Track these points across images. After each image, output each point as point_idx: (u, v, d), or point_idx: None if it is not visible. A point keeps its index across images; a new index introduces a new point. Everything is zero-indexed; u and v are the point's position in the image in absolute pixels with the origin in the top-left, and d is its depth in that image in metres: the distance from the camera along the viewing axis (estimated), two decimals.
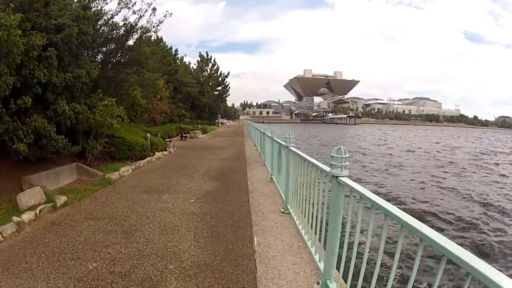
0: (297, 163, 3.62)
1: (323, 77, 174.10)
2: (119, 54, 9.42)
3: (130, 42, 9.33)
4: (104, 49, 9.15)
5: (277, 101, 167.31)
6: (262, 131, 8.82)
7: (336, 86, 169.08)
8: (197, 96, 26.44)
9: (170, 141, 15.25)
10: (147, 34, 9.70)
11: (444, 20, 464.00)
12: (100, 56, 9.17)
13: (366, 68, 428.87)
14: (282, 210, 4.31)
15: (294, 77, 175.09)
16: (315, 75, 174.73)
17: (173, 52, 25.25)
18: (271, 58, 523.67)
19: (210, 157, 10.20)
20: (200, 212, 4.39)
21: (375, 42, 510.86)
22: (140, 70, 10.50)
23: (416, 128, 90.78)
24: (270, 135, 6.50)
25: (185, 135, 18.95)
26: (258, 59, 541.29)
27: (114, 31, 8.98)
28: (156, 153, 10.05)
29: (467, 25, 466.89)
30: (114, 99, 7.72)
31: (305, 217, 3.23)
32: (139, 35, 9.33)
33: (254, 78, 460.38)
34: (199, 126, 24.49)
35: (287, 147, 4.12)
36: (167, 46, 24.66)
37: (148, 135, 10.07)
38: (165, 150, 11.02)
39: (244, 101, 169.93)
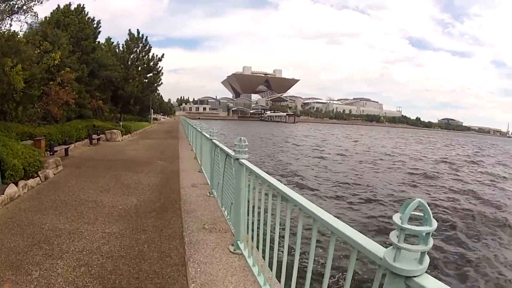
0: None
1: (262, 75, 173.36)
2: None
3: None
4: None
5: (214, 97, 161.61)
6: (225, 150, 3.78)
7: (275, 84, 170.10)
8: (121, 83, 20.09)
9: (67, 148, 9.54)
10: None
11: (389, 26, 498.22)
12: None
13: (306, 69, 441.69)
14: None
15: (232, 74, 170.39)
16: (254, 73, 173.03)
17: (95, 25, 18.71)
18: (210, 55, 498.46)
19: (107, 202, 4.82)
20: None
21: (317, 44, 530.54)
22: None
23: (366, 129, 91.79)
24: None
25: (97, 137, 13.18)
26: (197, 55, 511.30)
27: None
28: (9, 188, 4.79)
29: (413, 32, 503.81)
30: None
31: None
32: None
33: (192, 75, 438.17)
34: (121, 123, 18.51)
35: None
36: (89, 18, 18.38)
37: None
38: (36, 176, 5.72)
39: (181, 97, 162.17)
